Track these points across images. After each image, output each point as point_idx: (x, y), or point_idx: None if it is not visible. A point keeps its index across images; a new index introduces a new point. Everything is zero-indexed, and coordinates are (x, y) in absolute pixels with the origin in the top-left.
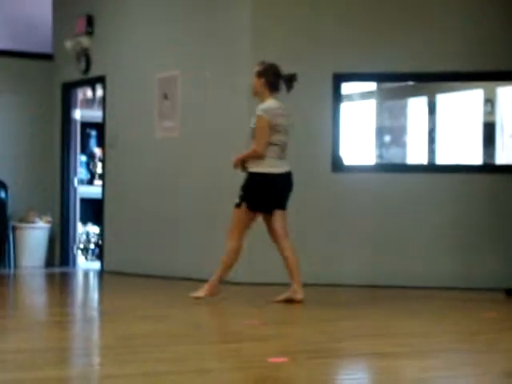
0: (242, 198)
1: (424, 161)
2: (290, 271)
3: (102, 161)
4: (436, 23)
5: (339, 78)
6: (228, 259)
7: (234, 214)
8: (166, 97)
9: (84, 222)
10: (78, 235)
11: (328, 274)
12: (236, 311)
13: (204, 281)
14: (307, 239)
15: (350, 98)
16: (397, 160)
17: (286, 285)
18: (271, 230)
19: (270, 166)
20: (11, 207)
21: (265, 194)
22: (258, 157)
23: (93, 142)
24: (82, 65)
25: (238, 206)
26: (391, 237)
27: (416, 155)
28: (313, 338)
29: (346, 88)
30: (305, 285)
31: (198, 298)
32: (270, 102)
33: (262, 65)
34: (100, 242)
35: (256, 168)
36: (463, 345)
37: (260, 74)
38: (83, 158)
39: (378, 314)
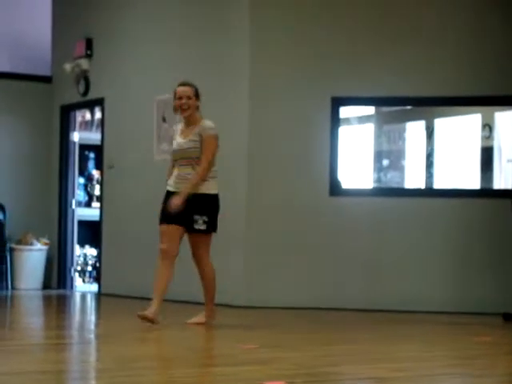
0: (209, 223)
1: (422, 185)
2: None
3: (100, 183)
4: (435, 48)
5: (337, 102)
6: (214, 282)
7: (205, 240)
8: (164, 119)
9: (81, 244)
10: (75, 257)
11: (325, 298)
12: (232, 335)
13: (202, 304)
14: (305, 263)
15: (348, 121)
16: (395, 184)
17: (286, 308)
18: (198, 252)
19: (217, 187)
20: (9, 229)
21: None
22: (205, 176)
23: (91, 164)
24: (81, 87)
25: (207, 231)
26: (389, 260)
27: (414, 179)
28: (310, 361)
29: (345, 112)
30: (303, 308)
31: (198, 324)
32: (210, 122)
33: (194, 86)
34: (97, 264)
35: (214, 189)
36: (460, 369)
37: (197, 95)
38: (81, 180)
39: (375, 338)
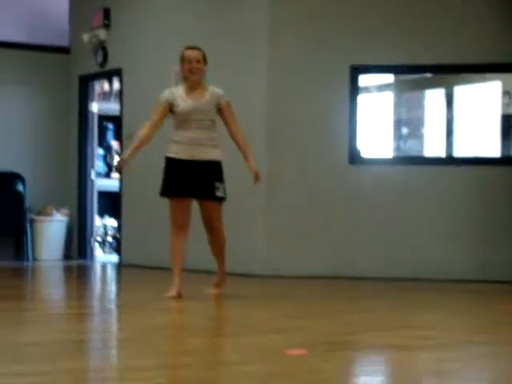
0: (225, 190)
1: (441, 153)
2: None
3: (119, 154)
4: (454, 14)
5: (356, 70)
6: (225, 248)
7: (221, 207)
8: None
9: (101, 214)
10: (95, 228)
11: (345, 267)
12: (254, 304)
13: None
14: (324, 231)
15: (367, 90)
16: (414, 152)
17: (305, 277)
18: (215, 219)
19: None
20: (29, 200)
21: None
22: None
23: (110, 134)
24: (99, 58)
25: (225, 199)
26: (408, 229)
27: (433, 147)
28: (330, 330)
29: (364, 80)
30: (322, 277)
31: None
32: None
33: (202, 50)
34: (117, 234)
35: (221, 157)
36: (482, 337)
37: (205, 60)
38: (100, 151)
39: (395, 306)
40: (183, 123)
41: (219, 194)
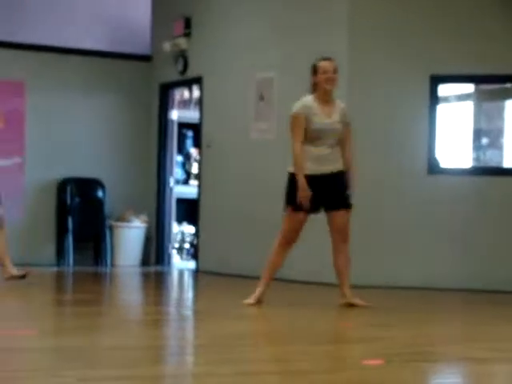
0: None
1: None
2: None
3: (198, 161)
4: None
5: (436, 80)
6: None
7: (349, 217)
8: (261, 98)
9: (179, 221)
10: (173, 235)
11: (424, 277)
12: (330, 313)
13: (298, 282)
14: (403, 241)
15: (447, 99)
16: (494, 163)
17: (384, 287)
18: (347, 228)
19: None
20: (108, 206)
21: None
22: None
23: (189, 142)
24: (180, 66)
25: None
26: (488, 241)
27: None
28: (408, 341)
29: (443, 90)
30: (401, 288)
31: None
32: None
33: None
34: (195, 241)
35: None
36: None
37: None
38: (179, 159)
39: (472, 318)
40: (314, 139)
41: (350, 201)
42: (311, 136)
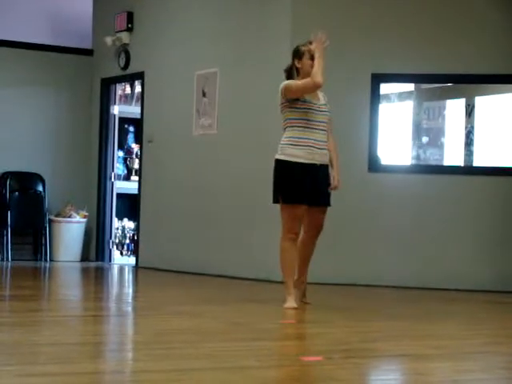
0: None
1: (461, 162)
2: None
3: (140, 156)
4: (477, 25)
5: (378, 79)
6: None
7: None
8: (204, 94)
9: (120, 217)
10: (113, 230)
11: (362, 275)
12: (272, 310)
13: (238, 278)
14: (343, 238)
15: (388, 98)
16: (434, 161)
17: (324, 284)
18: (322, 225)
19: None
20: (48, 201)
21: None
22: None
23: (130, 137)
24: (122, 61)
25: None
26: (427, 238)
27: (453, 157)
28: (347, 337)
29: (385, 88)
30: (341, 284)
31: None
32: None
33: None
34: (135, 237)
35: None
36: (498, 347)
37: None
38: (120, 154)
39: (413, 315)
40: (305, 122)
41: (330, 199)
42: (300, 116)
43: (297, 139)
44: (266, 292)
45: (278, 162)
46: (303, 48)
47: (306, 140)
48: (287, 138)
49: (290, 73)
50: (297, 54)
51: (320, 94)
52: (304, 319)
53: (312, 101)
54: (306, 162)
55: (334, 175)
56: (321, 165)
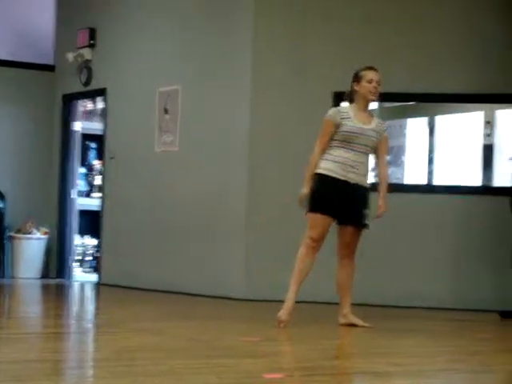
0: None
1: (422, 181)
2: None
3: (101, 173)
4: (438, 45)
5: (339, 97)
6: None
7: (360, 236)
8: (166, 111)
9: (81, 234)
10: (74, 247)
11: (325, 292)
12: (234, 327)
13: (199, 295)
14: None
15: None
16: (395, 179)
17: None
18: (355, 247)
19: None
20: (9, 217)
21: None
22: None
23: (92, 154)
24: (84, 77)
25: (368, 226)
26: (387, 256)
27: (414, 175)
28: (309, 355)
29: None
30: (304, 302)
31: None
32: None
33: None
34: (97, 254)
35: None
36: (459, 365)
37: None
38: (82, 170)
39: (375, 332)
40: (345, 144)
41: (366, 221)
42: (342, 139)
43: (334, 156)
44: (227, 309)
45: (314, 175)
46: (362, 72)
47: (343, 158)
48: (326, 154)
49: (351, 97)
50: (356, 77)
51: (374, 119)
52: (267, 336)
53: (356, 125)
54: (338, 177)
55: (381, 203)
56: (355, 184)
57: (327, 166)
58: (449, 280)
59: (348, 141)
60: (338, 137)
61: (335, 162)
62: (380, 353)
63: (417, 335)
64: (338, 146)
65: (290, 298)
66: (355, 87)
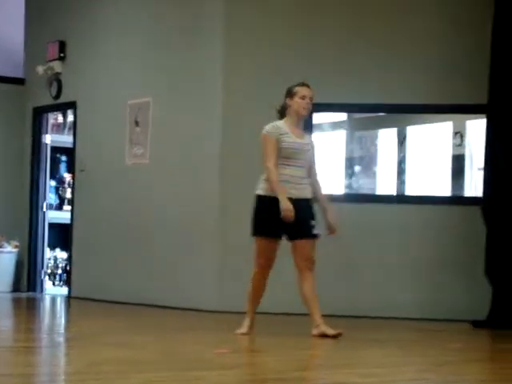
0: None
1: (393, 191)
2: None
3: (72, 186)
4: (406, 56)
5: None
6: None
7: (315, 244)
8: (137, 123)
9: (52, 247)
10: (45, 260)
11: (296, 303)
12: (205, 339)
13: (169, 308)
14: (278, 267)
15: (320, 127)
16: (366, 190)
17: (258, 313)
18: (313, 257)
19: None
20: None
21: None
22: None
23: (63, 167)
24: (54, 90)
25: (319, 235)
26: (359, 266)
27: (385, 186)
28: (280, 366)
29: (317, 118)
30: (275, 313)
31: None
32: None
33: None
34: (68, 267)
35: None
36: (430, 375)
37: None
38: (53, 183)
39: (346, 343)
40: (284, 160)
41: (315, 231)
42: (282, 156)
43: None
44: (199, 321)
45: (255, 196)
46: (295, 88)
47: (283, 175)
48: (264, 175)
49: (283, 112)
50: (289, 93)
51: (305, 134)
52: (239, 348)
53: (296, 141)
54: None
55: (331, 220)
56: (297, 199)
57: (266, 186)
58: (421, 290)
59: (287, 157)
60: (277, 154)
61: (282, 181)
62: (349, 363)
63: (387, 345)
64: (278, 164)
65: (246, 318)
66: (288, 102)
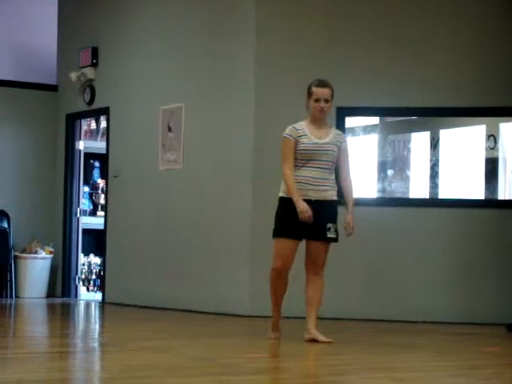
0: (337, 231)
1: (426, 195)
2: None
3: (105, 192)
4: (440, 58)
5: (343, 112)
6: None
7: (328, 249)
8: (169, 129)
9: (86, 252)
10: (79, 266)
11: (329, 307)
12: (238, 344)
13: (203, 313)
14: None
15: (353, 131)
16: (399, 194)
17: (291, 317)
18: (322, 261)
19: None
20: (13, 237)
21: None
22: None
23: (96, 173)
24: (87, 96)
25: (337, 240)
26: (393, 270)
27: (418, 189)
28: (314, 371)
29: (350, 122)
30: (300, 318)
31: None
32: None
33: (332, 87)
34: (102, 273)
35: (336, 196)
36: (464, 379)
37: (333, 96)
38: (86, 189)
39: (379, 347)
40: (303, 162)
41: (330, 234)
42: (301, 157)
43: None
44: (231, 326)
45: (278, 198)
46: (312, 88)
47: (302, 177)
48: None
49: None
50: (308, 92)
51: (331, 132)
52: (273, 353)
53: (312, 141)
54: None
55: (349, 220)
56: (316, 201)
57: (285, 189)
58: (454, 293)
59: (306, 158)
60: (296, 156)
61: (296, 183)
62: (385, 368)
63: (420, 349)
64: (297, 165)
65: (272, 321)
66: (307, 103)
